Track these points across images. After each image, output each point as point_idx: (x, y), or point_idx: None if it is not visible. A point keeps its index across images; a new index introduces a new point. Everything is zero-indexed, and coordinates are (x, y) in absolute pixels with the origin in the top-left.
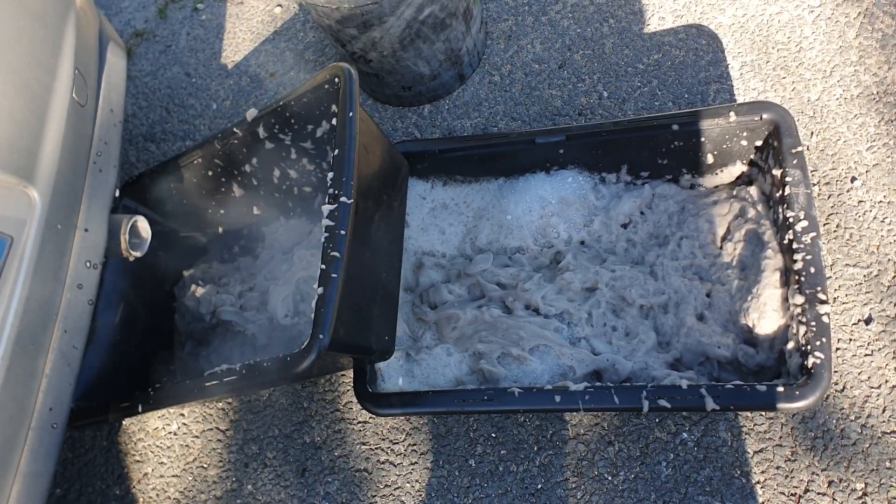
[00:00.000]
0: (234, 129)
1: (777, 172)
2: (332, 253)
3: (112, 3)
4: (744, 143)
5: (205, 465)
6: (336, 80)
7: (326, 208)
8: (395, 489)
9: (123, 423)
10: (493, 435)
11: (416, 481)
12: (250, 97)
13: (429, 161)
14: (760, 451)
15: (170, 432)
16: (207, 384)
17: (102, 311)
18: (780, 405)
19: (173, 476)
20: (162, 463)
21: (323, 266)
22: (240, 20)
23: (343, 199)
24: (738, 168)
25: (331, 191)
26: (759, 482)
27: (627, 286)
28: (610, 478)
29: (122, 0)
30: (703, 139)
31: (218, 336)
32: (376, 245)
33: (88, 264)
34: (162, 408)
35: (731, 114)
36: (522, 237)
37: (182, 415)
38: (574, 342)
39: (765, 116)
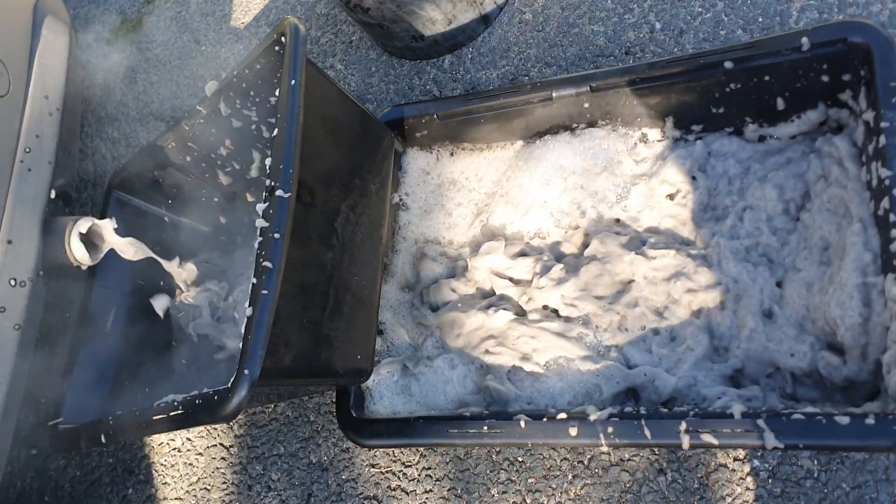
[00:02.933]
0: (198, 108)
1: (870, 116)
2: (265, 263)
3: None
4: (825, 78)
5: (208, 487)
6: (283, 39)
7: (261, 207)
8: None
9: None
10: (520, 459)
11: None
12: None
13: (429, 127)
14: (858, 486)
15: (174, 448)
16: (154, 418)
17: (93, 318)
18: (871, 445)
19: (176, 499)
20: (166, 483)
21: (254, 280)
22: None
23: (279, 192)
24: (821, 112)
25: (267, 182)
26: None
27: (672, 277)
28: None
29: None
30: (767, 78)
31: (204, 349)
32: (344, 243)
33: (13, 282)
34: (122, 439)
35: (804, 40)
36: (540, 217)
37: None
38: (602, 353)
39: (851, 41)
